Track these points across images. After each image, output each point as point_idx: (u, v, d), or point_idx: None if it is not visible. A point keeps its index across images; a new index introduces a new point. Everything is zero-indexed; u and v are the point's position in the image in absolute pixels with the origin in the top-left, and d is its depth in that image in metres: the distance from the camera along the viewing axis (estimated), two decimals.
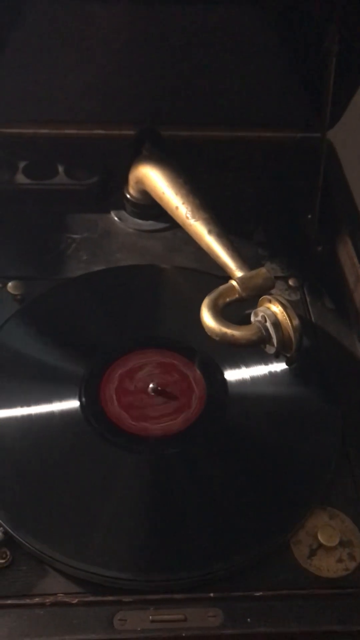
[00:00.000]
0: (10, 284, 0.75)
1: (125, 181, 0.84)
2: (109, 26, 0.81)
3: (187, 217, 0.74)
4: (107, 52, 0.83)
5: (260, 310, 0.65)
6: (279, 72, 0.85)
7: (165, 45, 0.83)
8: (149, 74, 0.85)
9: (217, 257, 0.71)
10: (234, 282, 0.67)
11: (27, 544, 0.56)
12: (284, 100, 0.87)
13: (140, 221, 0.85)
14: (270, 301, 0.65)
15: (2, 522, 0.57)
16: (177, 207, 0.75)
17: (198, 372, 0.68)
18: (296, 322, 0.64)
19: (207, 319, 0.65)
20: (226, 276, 0.69)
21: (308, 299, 0.77)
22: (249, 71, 0.85)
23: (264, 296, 0.66)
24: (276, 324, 0.64)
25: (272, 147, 0.90)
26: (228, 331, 0.64)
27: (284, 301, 0.65)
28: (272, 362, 0.68)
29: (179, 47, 0.84)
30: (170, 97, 0.86)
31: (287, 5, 0.80)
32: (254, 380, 0.67)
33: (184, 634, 0.51)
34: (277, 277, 0.74)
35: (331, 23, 0.74)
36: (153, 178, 0.78)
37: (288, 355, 0.65)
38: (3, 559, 0.56)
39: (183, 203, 0.75)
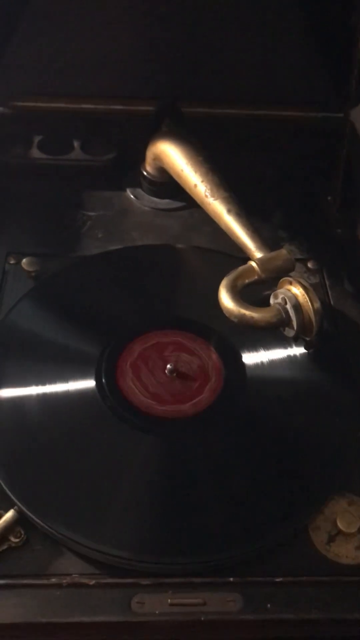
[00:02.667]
0: (24, 260, 0.73)
1: (142, 158, 0.83)
2: None
3: (206, 196, 0.72)
4: (127, 24, 0.82)
5: (281, 292, 0.64)
6: (302, 48, 0.83)
7: (185, 20, 0.81)
8: (169, 49, 0.83)
9: (236, 237, 0.70)
10: (253, 263, 0.66)
11: (42, 523, 0.55)
12: (307, 78, 0.85)
13: (156, 199, 0.83)
14: (291, 283, 0.64)
15: (16, 501, 0.56)
16: (195, 185, 0.74)
17: (215, 354, 0.67)
18: (317, 305, 0.63)
19: (226, 300, 0.64)
20: (245, 257, 0.68)
21: (327, 282, 0.76)
22: (271, 47, 0.84)
23: (284, 278, 0.65)
24: (297, 306, 0.63)
25: (292, 126, 0.88)
26: (247, 313, 0.63)
27: (305, 283, 0.64)
28: (291, 346, 0.67)
29: (200, 22, 0.82)
30: (190, 73, 0.85)
31: None
32: (272, 363, 0.66)
33: (202, 618, 0.51)
34: (296, 260, 0.72)
35: None
36: (172, 155, 0.77)
37: (308, 339, 0.65)
38: (17, 538, 0.55)
39: (202, 181, 0.73)
